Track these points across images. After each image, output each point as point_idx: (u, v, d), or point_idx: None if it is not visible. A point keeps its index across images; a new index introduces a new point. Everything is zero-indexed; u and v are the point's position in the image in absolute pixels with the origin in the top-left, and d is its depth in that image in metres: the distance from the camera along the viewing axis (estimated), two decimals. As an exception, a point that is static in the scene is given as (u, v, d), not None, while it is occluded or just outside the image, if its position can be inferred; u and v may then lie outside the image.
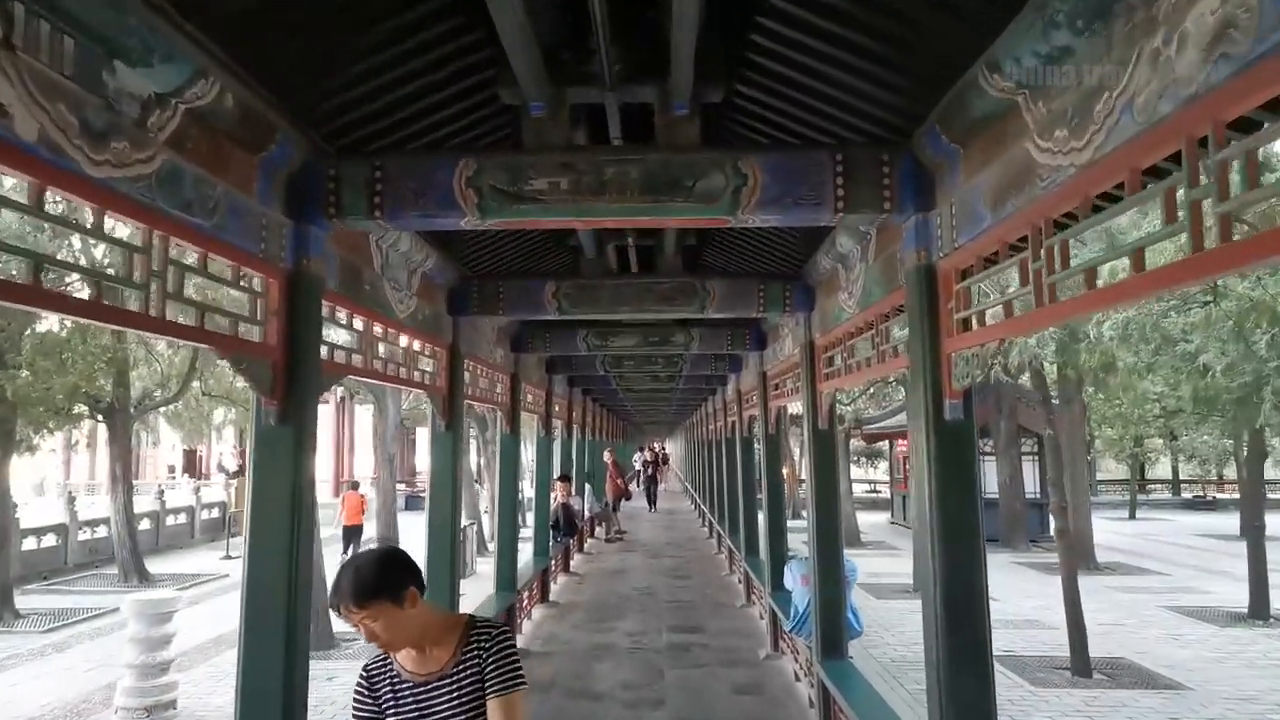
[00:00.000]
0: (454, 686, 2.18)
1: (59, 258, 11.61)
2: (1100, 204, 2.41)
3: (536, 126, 3.68)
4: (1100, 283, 2.43)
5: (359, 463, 35.89)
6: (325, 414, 37.33)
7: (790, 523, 10.57)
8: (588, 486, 18.23)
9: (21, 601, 14.24)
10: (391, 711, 2.21)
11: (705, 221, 3.76)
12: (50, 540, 18.16)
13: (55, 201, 3.35)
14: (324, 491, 34.34)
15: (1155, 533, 24.67)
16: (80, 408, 15.29)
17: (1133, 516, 28.79)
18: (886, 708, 5.15)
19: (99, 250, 11.72)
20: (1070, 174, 2.37)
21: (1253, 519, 12.89)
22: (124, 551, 16.42)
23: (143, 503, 24.03)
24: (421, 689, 2.19)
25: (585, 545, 17.15)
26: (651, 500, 26.73)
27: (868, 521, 24.50)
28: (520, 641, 9.02)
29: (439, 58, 3.62)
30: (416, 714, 2.18)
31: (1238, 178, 1.83)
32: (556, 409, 13.10)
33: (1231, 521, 25.53)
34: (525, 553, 11.69)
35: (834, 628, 5.99)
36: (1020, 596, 13.37)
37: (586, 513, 17.44)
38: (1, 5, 1.99)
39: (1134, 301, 3.35)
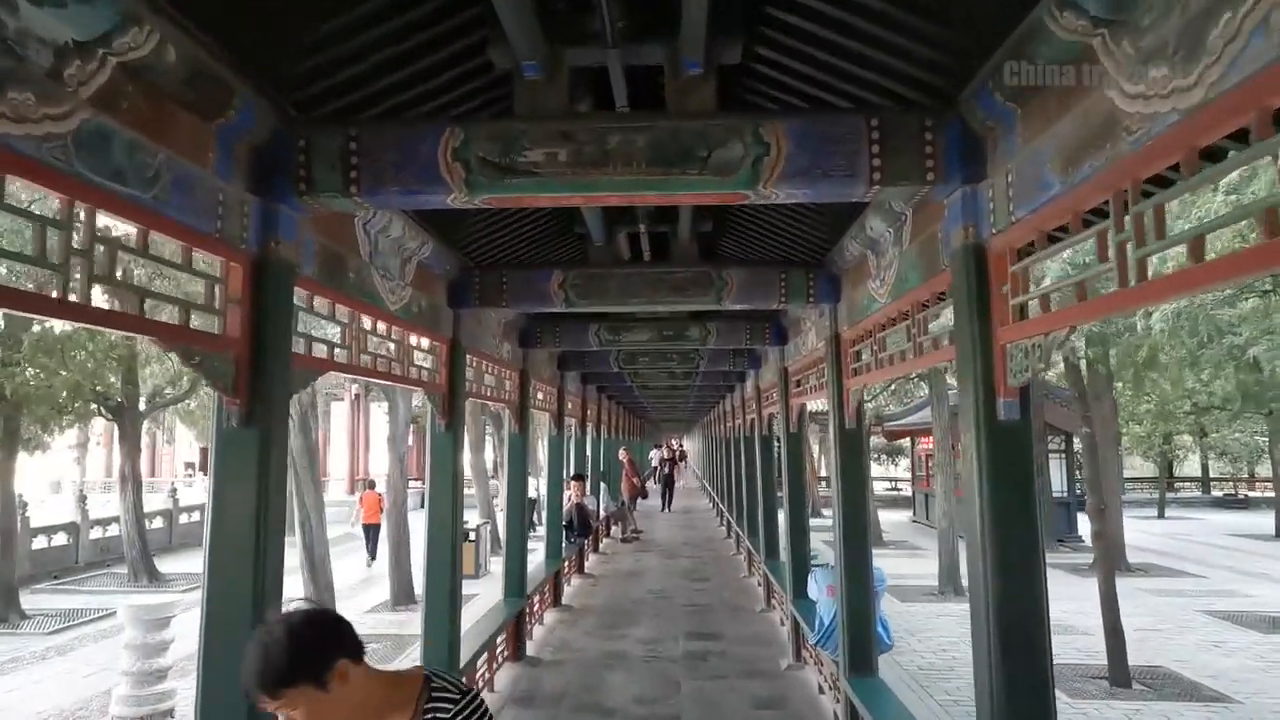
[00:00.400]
0: None
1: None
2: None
3: (531, 92, 3.27)
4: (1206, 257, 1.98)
5: (375, 461, 35.68)
6: (340, 412, 37.22)
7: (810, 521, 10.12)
8: (603, 485, 17.89)
9: (29, 601, 14.07)
10: None
11: (722, 197, 3.34)
12: (61, 539, 18.03)
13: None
14: (339, 490, 34.42)
15: (1186, 532, 24.00)
16: (86, 406, 15.06)
17: (1161, 515, 28.11)
18: (922, 732, 4.73)
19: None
20: (1171, 122, 1.93)
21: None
22: (133, 551, 16.23)
23: (156, 501, 23.94)
24: None
25: (600, 545, 16.78)
26: (666, 501, 25.98)
27: (889, 520, 24.03)
28: (530, 649, 8.65)
29: (423, 16, 3.22)
30: None
31: None
32: (569, 407, 12.72)
33: (1265, 520, 24.87)
34: (539, 553, 11.37)
35: (862, 641, 5.57)
36: (1050, 600, 12.85)
37: (602, 512, 17.09)
38: None
39: (1257, 275, 2.88)
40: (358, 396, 36.45)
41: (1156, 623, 11.67)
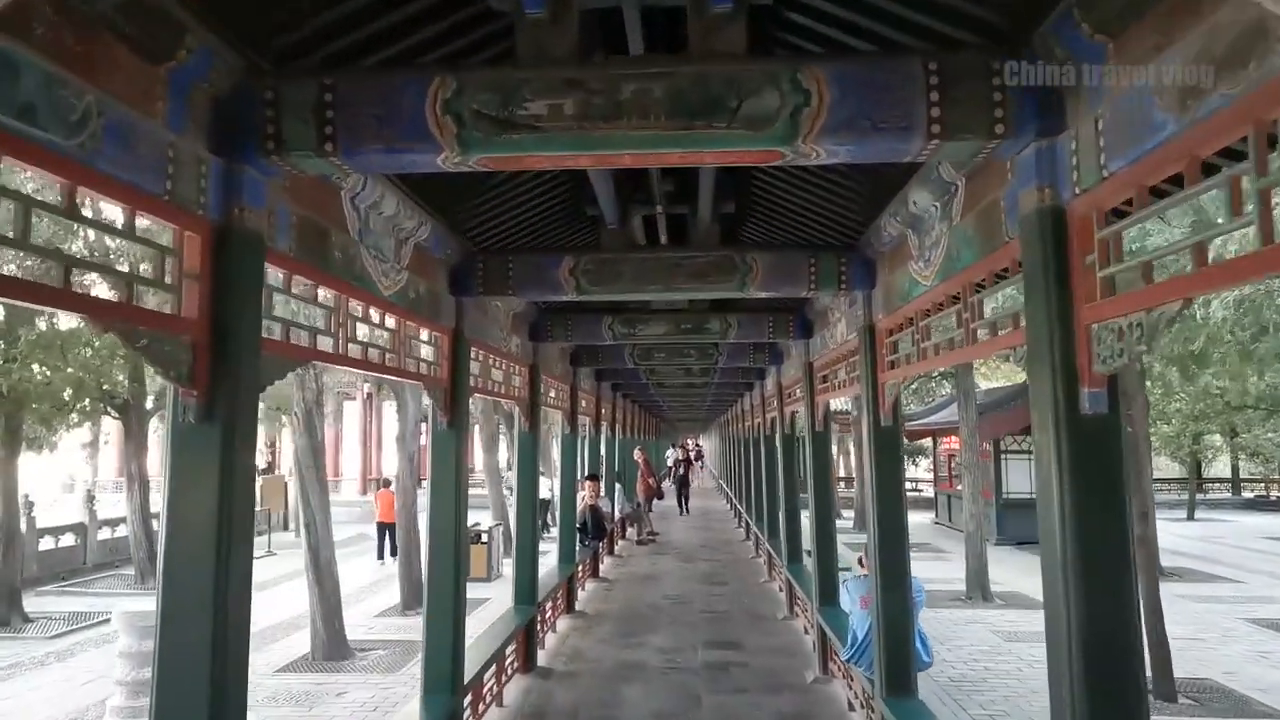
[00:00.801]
0: None
1: None
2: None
3: (534, 34, 2.83)
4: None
5: (388, 461, 35.41)
6: (352, 411, 36.99)
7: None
8: (618, 486, 17.45)
9: (35, 604, 13.78)
10: None
11: (754, 155, 2.89)
12: (69, 540, 17.75)
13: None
14: (352, 490, 34.18)
15: (1218, 535, 23.27)
16: (92, 404, 14.76)
17: (1191, 517, 27.33)
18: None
19: None
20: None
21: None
22: (140, 552, 15.92)
23: (166, 501, 23.68)
24: None
25: (615, 548, 16.35)
26: (682, 503, 25.34)
27: (911, 522, 23.36)
28: (542, 659, 8.23)
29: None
30: None
31: None
32: (583, 404, 12.30)
33: (1302, 523, 24.12)
34: (551, 556, 10.95)
35: (900, 657, 5.12)
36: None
37: (617, 514, 16.64)
38: None
39: None
40: (369, 395, 36.17)
41: (1197, 631, 11.11)
